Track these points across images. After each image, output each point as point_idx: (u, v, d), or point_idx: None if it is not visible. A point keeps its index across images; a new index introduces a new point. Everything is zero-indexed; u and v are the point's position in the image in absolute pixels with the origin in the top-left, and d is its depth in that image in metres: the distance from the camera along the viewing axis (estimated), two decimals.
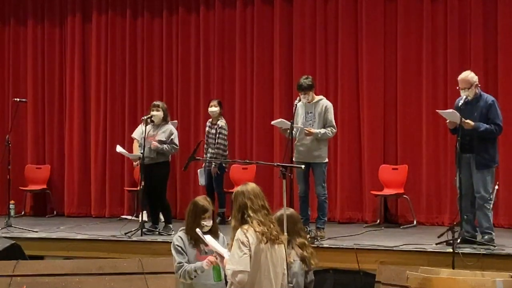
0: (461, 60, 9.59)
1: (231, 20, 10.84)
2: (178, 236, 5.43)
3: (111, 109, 11.35)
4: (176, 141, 8.90)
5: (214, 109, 9.84)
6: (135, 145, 10.15)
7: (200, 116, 10.69)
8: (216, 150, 9.72)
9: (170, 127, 8.96)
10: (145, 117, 8.95)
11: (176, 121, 10.10)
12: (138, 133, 9.40)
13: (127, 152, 9.27)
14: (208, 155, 9.75)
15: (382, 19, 10.11)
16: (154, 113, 8.86)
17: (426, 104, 9.80)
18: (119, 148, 9.28)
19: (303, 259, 5.48)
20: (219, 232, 5.47)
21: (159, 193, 8.93)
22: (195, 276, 5.24)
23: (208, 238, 5.13)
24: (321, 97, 8.44)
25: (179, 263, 5.31)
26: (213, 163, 9.64)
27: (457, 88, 7.61)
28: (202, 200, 5.46)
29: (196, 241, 5.34)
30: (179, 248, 5.35)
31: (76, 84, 11.50)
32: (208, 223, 5.37)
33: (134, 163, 10.30)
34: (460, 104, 7.48)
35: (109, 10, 11.42)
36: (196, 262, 5.31)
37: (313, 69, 10.21)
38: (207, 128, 9.91)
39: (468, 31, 9.71)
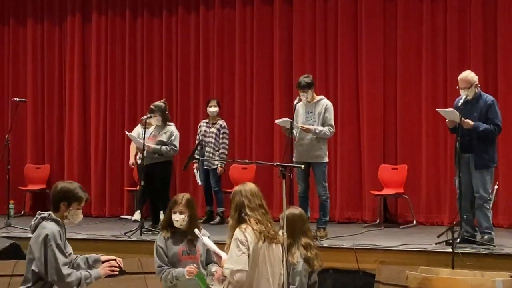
0: (461, 60, 9.59)
1: (231, 20, 10.84)
2: (161, 235, 5.49)
3: (111, 109, 11.35)
4: (176, 142, 8.87)
5: (213, 109, 9.85)
6: (133, 146, 10.22)
7: (199, 116, 10.69)
8: (222, 150, 9.75)
9: (172, 128, 8.94)
10: (144, 117, 8.95)
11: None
12: (135, 133, 9.43)
13: (136, 137, 9.18)
14: (206, 154, 9.75)
15: (382, 19, 10.10)
16: (152, 120, 8.84)
17: (426, 104, 9.80)
18: (129, 133, 9.30)
19: (306, 260, 5.46)
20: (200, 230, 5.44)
21: (162, 193, 8.92)
22: (176, 280, 5.31)
23: (205, 239, 5.15)
24: (321, 97, 8.45)
25: (159, 266, 5.39)
26: (218, 163, 9.65)
27: (457, 87, 7.62)
28: (180, 195, 5.57)
29: (177, 240, 5.38)
30: (160, 250, 5.40)
31: (76, 84, 11.50)
32: (177, 218, 5.40)
33: (130, 162, 10.37)
34: (459, 103, 7.48)
35: (109, 10, 11.42)
36: (177, 262, 5.35)
37: (313, 69, 10.20)
38: (203, 128, 9.90)
39: (468, 31, 9.70)
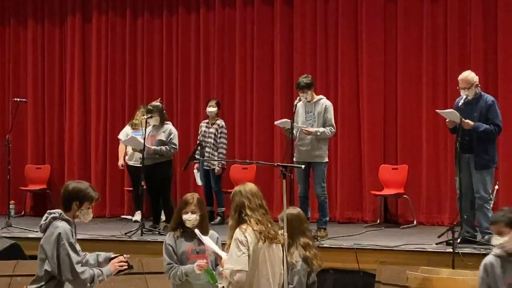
0: (461, 60, 9.59)
1: (231, 20, 10.84)
2: (170, 234, 5.49)
3: (111, 109, 11.36)
4: (175, 141, 8.91)
5: (212, 109, 9.86)
6: (121, 147, 10.23)
7: (200, 116, 10.69)
8: (220, 150, 9.76)
9: (170, 127, 8.98)
10: (145, 117, 8.95)
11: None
12: (123, 135, 9.46)
13: (136, 138, 9.15)
14: (206, 154, 9.75)
15: (382, 19, 10.11)
16: (151, 120, 8.83)
17: (426, 104, 9.80)
18: (127, 137, 9.32)
19: (305, 260, 5.47)
20: (209, 229, 5.48)
21: (162, 193, 8.93)
22: (185, 277, 5.30)
23: (205, 239, 5.15)
24: (321, 96, 8.46)
25: (168, 264, 5.40)
26: (217, 163, 9.66)
27: (457, 88, 7.62)
28: (189, 195, 5.55)
29: (186, 239, 5.39)
30: (170, 248, 5.41)
31: (76, 84, 11.50)
32: (189, 217, 5.39)
33: (119, 163, 10.38)
34: (460, 104, 7.48)
35: (109, 10, 11.42)
36: (186, 260, 5.36)
37: (313, 69, 10.21)
38: (203, 128, 9.91)
39: (468, 31, 9.70)
